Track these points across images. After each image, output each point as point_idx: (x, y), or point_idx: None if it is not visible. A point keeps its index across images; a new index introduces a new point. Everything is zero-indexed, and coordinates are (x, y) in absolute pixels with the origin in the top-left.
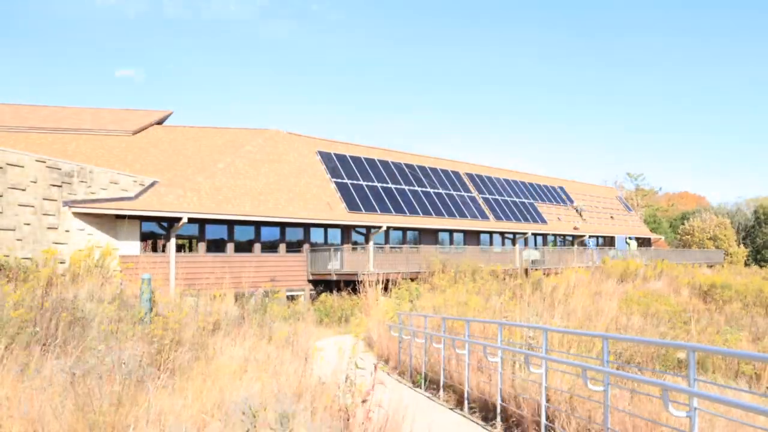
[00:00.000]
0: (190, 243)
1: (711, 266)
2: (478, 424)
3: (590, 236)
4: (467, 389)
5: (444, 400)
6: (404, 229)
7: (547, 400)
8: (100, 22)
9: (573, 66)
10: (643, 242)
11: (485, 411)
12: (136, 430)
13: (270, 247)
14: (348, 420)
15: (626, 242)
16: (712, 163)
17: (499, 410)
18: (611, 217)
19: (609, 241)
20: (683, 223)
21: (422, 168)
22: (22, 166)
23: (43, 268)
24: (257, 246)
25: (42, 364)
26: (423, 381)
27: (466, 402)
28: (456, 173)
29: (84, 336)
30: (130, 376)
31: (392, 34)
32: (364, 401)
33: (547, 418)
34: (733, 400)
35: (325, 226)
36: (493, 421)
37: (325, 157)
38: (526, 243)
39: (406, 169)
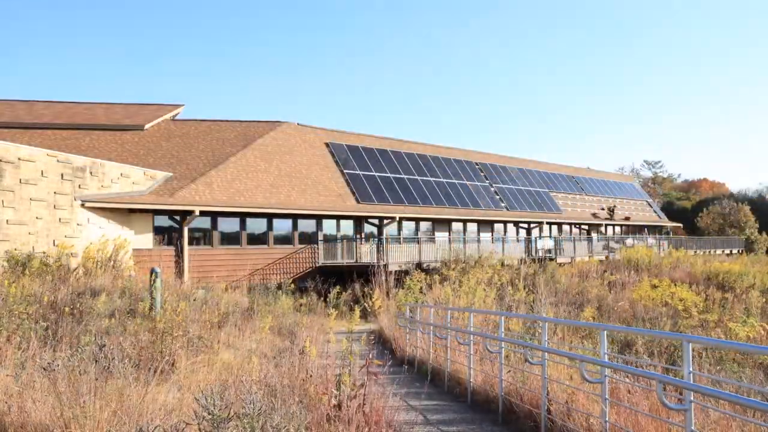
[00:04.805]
0: (203, 236)
1: (730, 254)
2: (480, 415)
3: (607, 225)
4: (470, 380)
5: (447, 391)
6: (417, 220)
7: (548, 392)
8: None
9: (588, 54)
10: (661, 230)
11: (488, 402)
12: (124, 425)
13: (282, 239)
14: (340, 410)
15: None
16: (731, 150)
17: (501, 402)
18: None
19: (626, 230)
20: (702, 210)
21: (435, 158)
22: (34, 161)
23: (55, 263)
24: (270, 238)
25: (42, 358)
26: (428, 372)
27: (468, 393)
28: (469, 163)
29: (87, 331)
30: (126, 370)
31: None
32: (356, 395)
33: (548, 410)
34: (725, 393)
35: (338, 218)
36: (495, 413)
37: (337, 148)
38: (540, 232)
39: (419, 160)
